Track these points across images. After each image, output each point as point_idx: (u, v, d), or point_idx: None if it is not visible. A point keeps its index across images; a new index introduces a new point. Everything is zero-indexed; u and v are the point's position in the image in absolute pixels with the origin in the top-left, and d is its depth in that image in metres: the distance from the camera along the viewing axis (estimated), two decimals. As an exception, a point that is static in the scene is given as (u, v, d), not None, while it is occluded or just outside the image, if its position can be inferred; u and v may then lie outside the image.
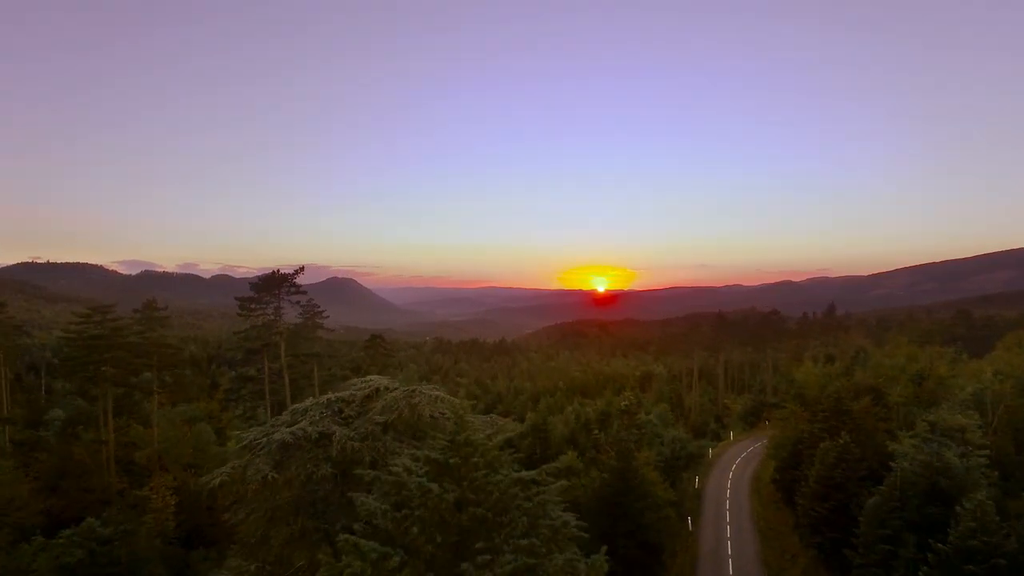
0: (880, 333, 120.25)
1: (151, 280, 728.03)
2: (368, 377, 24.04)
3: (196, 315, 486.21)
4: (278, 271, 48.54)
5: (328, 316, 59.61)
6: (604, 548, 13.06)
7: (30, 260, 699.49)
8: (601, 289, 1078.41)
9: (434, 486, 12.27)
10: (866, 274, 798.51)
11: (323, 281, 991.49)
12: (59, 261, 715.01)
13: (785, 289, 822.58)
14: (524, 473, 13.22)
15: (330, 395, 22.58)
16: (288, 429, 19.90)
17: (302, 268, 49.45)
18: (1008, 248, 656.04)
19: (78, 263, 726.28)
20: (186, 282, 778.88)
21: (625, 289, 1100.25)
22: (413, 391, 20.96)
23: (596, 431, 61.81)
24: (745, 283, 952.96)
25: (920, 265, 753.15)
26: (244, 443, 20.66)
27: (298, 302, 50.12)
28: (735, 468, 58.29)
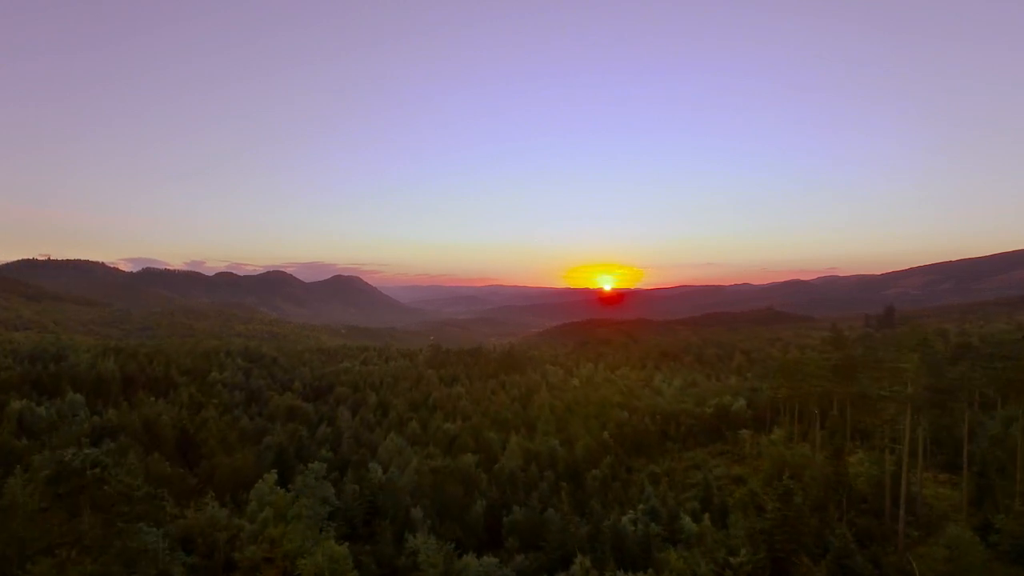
0: None
1: (152, 278, 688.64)
2: None
3: (190, 314, 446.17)
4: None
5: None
6: None
7: (30, 258, 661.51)
8: (608, 288, 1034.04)
9: None
10: (878, 273, 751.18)
11: (328, 279, 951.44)
12: (60, 258, 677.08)
13: (795, 288, 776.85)
14: None
15: None
16: None
17: None
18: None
19: (79, 260, 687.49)
20: (188, 280, 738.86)
21: (632, 288, 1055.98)
22: None
23: None
24: (754, 282, 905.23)
25: (935, 264, 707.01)
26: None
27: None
28: None
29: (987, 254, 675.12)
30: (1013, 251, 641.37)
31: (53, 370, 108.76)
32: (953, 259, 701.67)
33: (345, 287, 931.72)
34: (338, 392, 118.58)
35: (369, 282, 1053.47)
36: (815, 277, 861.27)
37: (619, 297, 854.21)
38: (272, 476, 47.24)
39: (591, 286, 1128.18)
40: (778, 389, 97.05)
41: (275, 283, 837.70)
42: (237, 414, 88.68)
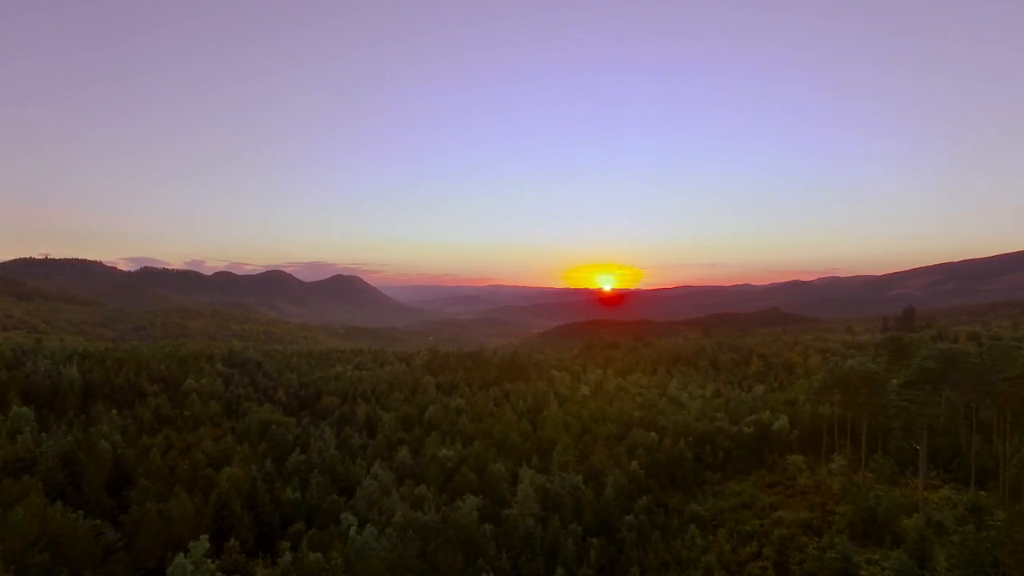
0: None
1: (150, 277, 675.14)
2: None
3: (185, 314, 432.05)
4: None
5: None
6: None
7: (28, 257, 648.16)
8: (608, 288, 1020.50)
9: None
10: (880, 274, 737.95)
11: (328, 279, 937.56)
12: (59, 257, 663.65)
13: (796, 289, 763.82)
14: None
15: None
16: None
17: None
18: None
19: (78, 260, 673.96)
20: (187, 279, 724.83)
21: (633, 288, 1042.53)
22: None
23: None
24: (755, 282, 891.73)
25: (938, 264, 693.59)
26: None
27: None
28: None
29: (991, 255, 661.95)
30: (1017, 252, 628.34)
31: (4, 378, 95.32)
32: (956, 260, 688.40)
33: (345, 287, 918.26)
34: (325, 402, 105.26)
35: (369, 282, 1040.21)
36: (816, 278, 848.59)
37: (620, 297, 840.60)
38: (201, 545, 34.02)
39: (591, 286, 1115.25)
40: (821, 404, 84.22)
41: (275, 283, 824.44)
42: (201, 432, 75.36)
